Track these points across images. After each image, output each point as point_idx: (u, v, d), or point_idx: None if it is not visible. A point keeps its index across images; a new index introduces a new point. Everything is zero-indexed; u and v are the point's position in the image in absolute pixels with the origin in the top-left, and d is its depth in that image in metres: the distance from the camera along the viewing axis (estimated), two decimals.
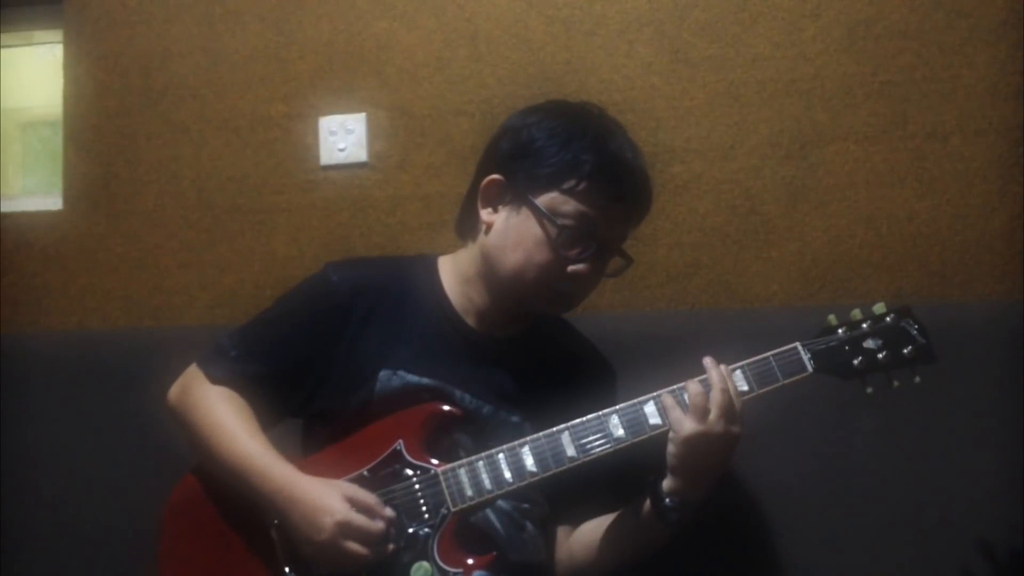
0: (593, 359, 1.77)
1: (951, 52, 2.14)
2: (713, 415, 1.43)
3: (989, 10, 2.12)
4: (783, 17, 2.20)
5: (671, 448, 1.45)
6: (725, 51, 2.22)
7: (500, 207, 1.59)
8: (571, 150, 1.53)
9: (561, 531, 1.67)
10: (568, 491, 1.60)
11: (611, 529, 1.60)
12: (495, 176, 1.59)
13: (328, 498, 1.46)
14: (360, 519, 1.45)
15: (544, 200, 1.53)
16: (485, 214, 1.60)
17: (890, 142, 2.15)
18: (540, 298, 1.58)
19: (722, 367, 1.48)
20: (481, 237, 1.61)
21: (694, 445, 1.43)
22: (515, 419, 1.59)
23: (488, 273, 1.60)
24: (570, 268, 1.54)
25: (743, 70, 2.21)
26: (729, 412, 1.43)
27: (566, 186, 1.52)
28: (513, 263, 1.55)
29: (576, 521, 1.66)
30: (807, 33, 2.19)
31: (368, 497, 1.48)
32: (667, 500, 1.48)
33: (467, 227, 1.66)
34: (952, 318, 1.90)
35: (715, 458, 1.46)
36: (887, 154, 2.15)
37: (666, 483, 1.48)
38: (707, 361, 1.48)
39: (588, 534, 1.64)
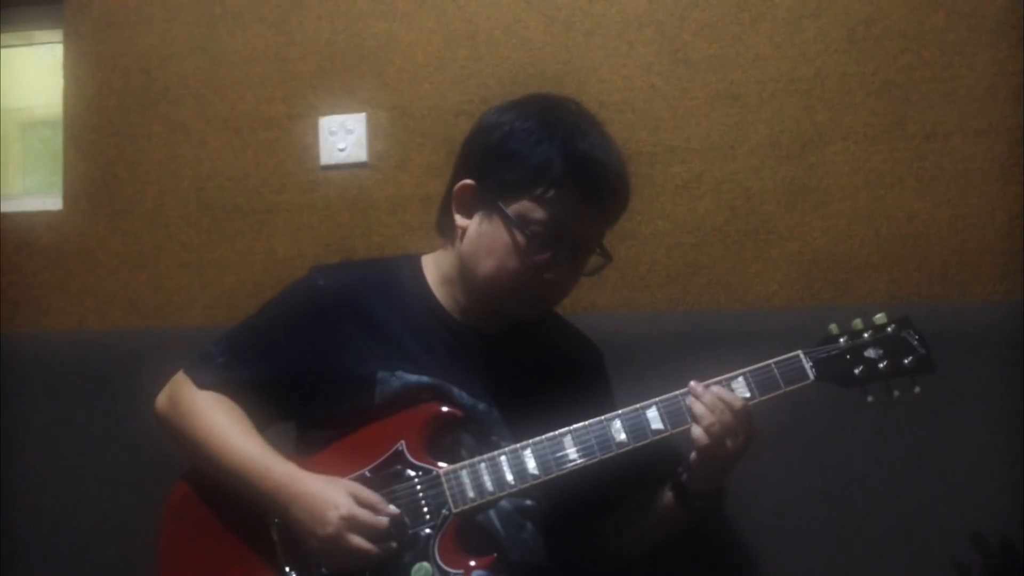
0: (578, 346, 1.77)
1: (951, 52, 2.14)
2: (717, 435, 1.46)
3: (989, 10, 2.12)
4: (783, 17, 2.20)
5: (693, 455, 1.49)
6: (725, 51, 2.22)
7: (473, 213, 1.58)
8: (540, 154, 1.51)
9: (607, 520, 1.68)
10: (611, 481, 1.60)
11: (639, 518, 1.63)
12: (467, 181, 1.58)
13: (333, 493, 1.46)
14: (365, 514, 1.45)
15: (515, 208, 1.53)
16: (459, 219, 1.60)
17: (890, 142, 2.15)
18: (516, 303, 1.58)
19: (714, 389, 1.49)
20: (457, 242, 1.61)
21: (709, 455, 1.47)
22: (505, 415, 1.59)
23: (465, 277, 1.61)
24: (545, 275, 1.54)
25: (743, 70, 2.21)
26: (733, 428, 1.46)
27: (536, 192, 1.51)
28: (487, 270, 1.56)
29: (617, 509, 1.67)
30: (807, 33, 2.19)
31: (372, 494, 1.48)
32: (695, 499, 1.54)
33: (446, 228, 1.66)
34: (952, 318, 1.90)
35: (730, 460, 1.50)
36: (887, 154, 2.15)
37: (688, 478, 1.52)
38: (693, 386, 1.50)
39: (616, 521, 1.66)
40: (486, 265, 1.56)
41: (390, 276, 1.68)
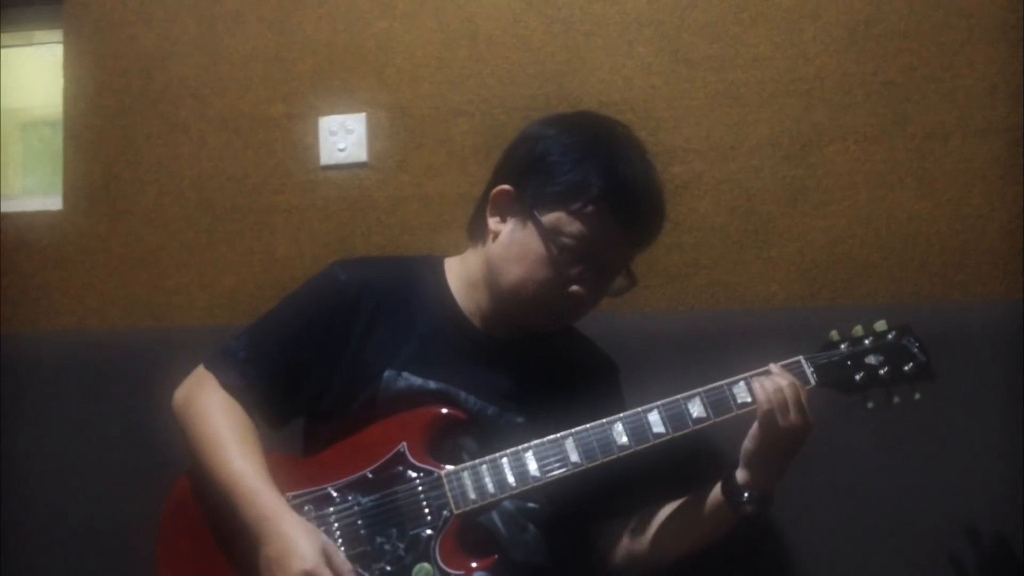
0: (594, 358, 1.77)
1: (951, 52, 2.14)
2: (793, 410, 1.44)
3: (989, 10, 2.13)
4: (783, 17, 2.20)
5: (752, 444, 1.47)
6: (725, 51, 2.22)
7: (508, 218, 1.59)
8: (581, 170, 1.52)
9: (612, 525, 1.67)
10: (615, 484, 1.59)
11: (675, 522, 1.60)
12: (505, 187, 1.59)
13: (306, 545, 1.43)
14: (327, 574, 1.42)
15: (550, 219, 1.53)
16: (493, 223, 1.60)
17: (890, 142, 2.15)
18: (537, 314, 1.59)
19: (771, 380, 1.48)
20: (488, 244, 1.61)
21: (779, 439, 1.45)
22: (519, 420, 1.59)
23: (491, 280, 1.61)
24: (570, 289, 1.54)
25: (743, 70, 2.21)
26: (802, 405, 1.46)
27: (573, 207, 1.52)
28: (514, 277, 1.56)
29: (625, 513, 1.66)
30: (807, 33, 2.19)
31: (344, 561, 1.46)
32: (745, 494, 1.49)
33: (477, 231, 1.66)
34: (952, 318, 1.91)
35: (793, 448, 1.48)
36: (887, 154, 2.15)
37: (741, 476, 1.49)
38: (772, 367, 1.50)
39: (648, 527, 1.63)
40: (514, 271, 1.56)
41: (411, 276, 1.68)
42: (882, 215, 2.15)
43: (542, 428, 1.53)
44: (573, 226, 1.52)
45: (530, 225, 1.55)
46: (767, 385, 1.46)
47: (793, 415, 1.44)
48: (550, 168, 1.54)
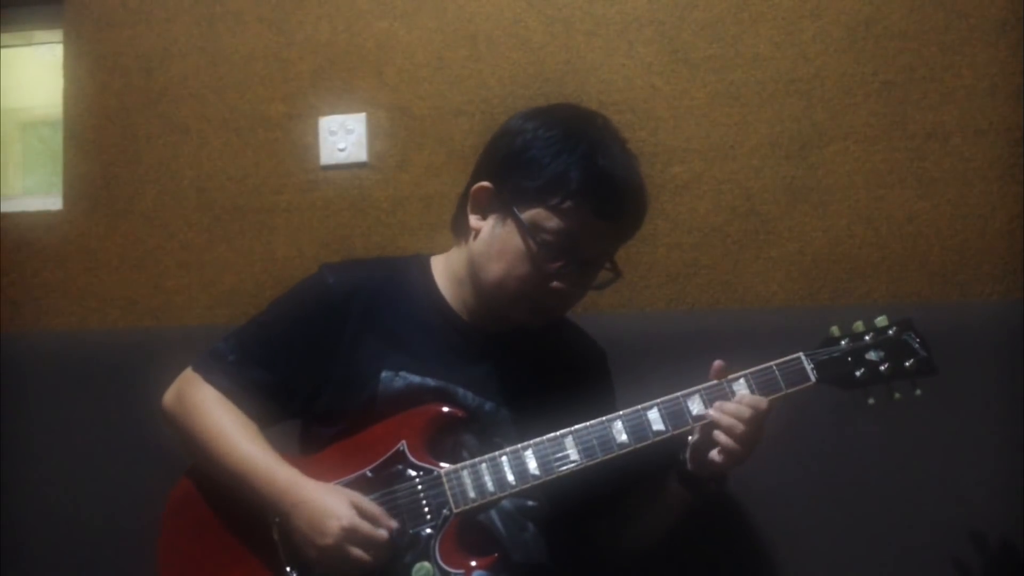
0: (583, 345, 1.78)
1: (951, 52, 2.14)
2: (756, 433, 1.47)
3: (989, 10, 2.13)
4: (783, 17, 2.20)
5: (707, 456, 1.49)
6: (725, 51, 2.22)
7: (488, 215, 1.59)
8: (559, 165, 1.51)
9: (611, 522, 1.68)
10: (614, 482, 1.60)
11: (646, 509, 1.63)
12: (484, 184, 1.59)
13: (335, 503, 1.46)
14: (365, 526, 1.45)
15: (529, 215, 1.53)
16: (473, 220, 1.60)
17: (890, 142, 2.15)
18: (520, 309, 1.59)
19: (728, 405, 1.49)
20: (470, 241, 1.61)
21: (731, 459, 1.48)
22: (510, 416, 1.60)
23: (474, 277, 1.61)
24: (552, 284, 1.54)
25: (743, 70, 2.21)
26: (753, 436, 1.47)
27: (551, 202, 1.51)
28: (495, 273, 1.56)
29: (624, 511, 1.67)
30: (807, 33, 2.19)
31: (373, 506, 1.48)
32: (705, 483, 1.54)
33: (460, 228, 1.66)
34: (952, 318, 1.91)
35: (745, 455, 1.50)
36: (887, 154, 2.15)
37: (694, 468, 1.53)
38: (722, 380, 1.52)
39: (623, 516, 1.66)
40: (495, 268, 1.56)
41: (399, 276, 1.68)
42: (882, 215, 2.15)
43: (532, 422, 1.54)
44: (552, 222, 1.52)
45: (510, 222, 1.55)
46: (733, 428, 1.46)
47: (755, 438, 1.47)
48: (528, 163, 1.54)
